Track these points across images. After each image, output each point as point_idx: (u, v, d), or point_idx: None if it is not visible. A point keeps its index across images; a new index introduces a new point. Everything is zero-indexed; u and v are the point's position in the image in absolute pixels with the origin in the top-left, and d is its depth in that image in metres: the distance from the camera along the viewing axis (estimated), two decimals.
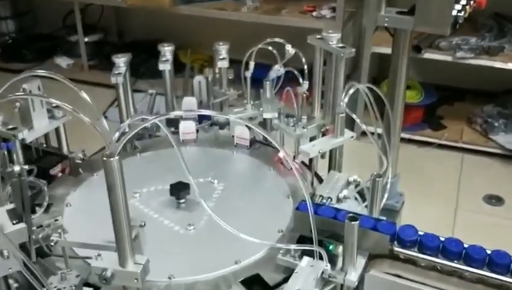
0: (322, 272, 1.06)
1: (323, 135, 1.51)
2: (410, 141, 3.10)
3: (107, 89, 1.73)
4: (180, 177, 1.32)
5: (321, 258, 1.06)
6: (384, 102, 1.45)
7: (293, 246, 1.08)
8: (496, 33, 3.02)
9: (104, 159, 0.82)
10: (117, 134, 0.84)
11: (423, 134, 3.16)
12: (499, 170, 3.00)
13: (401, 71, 1.61)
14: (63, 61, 3.96)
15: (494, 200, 2.78)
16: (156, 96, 1.86)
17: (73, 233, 1.23)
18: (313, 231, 1.00)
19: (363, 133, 1.43)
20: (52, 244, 1.04)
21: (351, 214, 1.03)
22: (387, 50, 3.01)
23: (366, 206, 1.38)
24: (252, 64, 1.51)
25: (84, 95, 0.89)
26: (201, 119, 1.67)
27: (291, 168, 1.45)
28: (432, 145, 3.12)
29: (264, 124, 1.59)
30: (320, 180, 1.39)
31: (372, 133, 1.36)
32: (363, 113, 2.17)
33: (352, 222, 1.02)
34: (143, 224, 0.97)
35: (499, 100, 3.29)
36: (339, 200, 1.27)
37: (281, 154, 0.94)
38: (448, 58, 2.94)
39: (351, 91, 1.33)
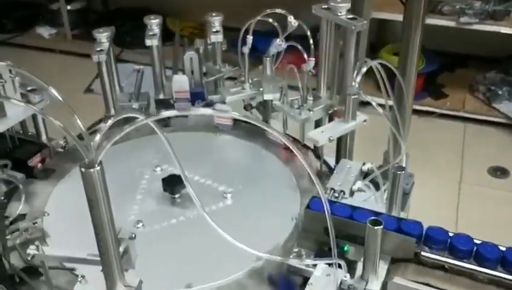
0: (341, 283, 0.93)
1: (330, 117, 1.37)
2: None
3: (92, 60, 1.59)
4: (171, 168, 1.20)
5: (339, 266, 0.92)
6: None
7: (309, 261, 0.94)
8: None
9: (83, 170, 0.67)
10: (98, 137, 0.68)
11: (424, 103, 3.03)
12: (503, 140, 2.88)
13: (415, 42, 1.45)
14: (45, 31, 3.75)
15: (499, 172, 2.67)
16: (144, 72, 1.71)
17: (55, 237, 1.09)
18: (331, 240, 0.86)
19: (362, 103, 1.29)
20: (28, 259, 0.89)
21: (373, 217, 0.89)
22: (388, 16, 2.91)
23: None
24: (250, 39, 1.35)
25: (53, 91, 0.74)
26: (193, 99, 1.52)
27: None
28: (433, 115, 2.99)
29: (264, 104, 1.44)
30: (329, 169, 1.25)
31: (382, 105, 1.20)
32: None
33: (376, 227, 0.88)
34: (133, 236, 0.83)
35: (502, 66, 3.15)
36: (352, 193, 1.14)
37: (291, 147, 0.80)
38: (452, 24, 2.79)
39: (364, 69, 1.18)
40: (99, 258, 0.83)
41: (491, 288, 0.93)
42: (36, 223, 1.09)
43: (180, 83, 1.49)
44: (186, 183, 0.80)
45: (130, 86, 1.68)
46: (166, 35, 3.02)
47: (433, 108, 3.01)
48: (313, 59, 1.25)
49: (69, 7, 3.64)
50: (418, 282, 0.95)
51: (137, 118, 0.71)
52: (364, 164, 1.21)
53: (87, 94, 3.16)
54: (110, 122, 0.70)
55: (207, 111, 0.99)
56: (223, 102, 1.52)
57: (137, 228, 1.14)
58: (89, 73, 3.26)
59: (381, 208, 1.24)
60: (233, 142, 1.37)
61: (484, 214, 2.38)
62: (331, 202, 1.05)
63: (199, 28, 3.49)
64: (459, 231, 2.30)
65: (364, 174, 1.21)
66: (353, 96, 1.19)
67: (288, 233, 1.09)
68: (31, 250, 0.90)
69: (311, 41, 1.25)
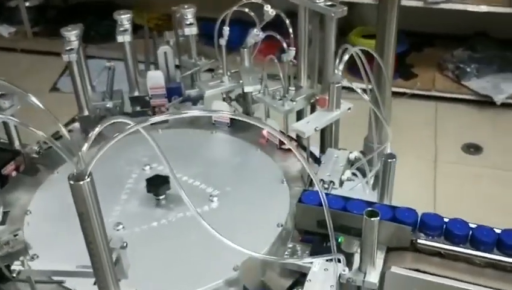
0: (339, 277, 0.91)
1: (313, 106, 1.35)
2: None
3: (56, 57, 1.52)
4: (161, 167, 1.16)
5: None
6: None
7: (308, 260, 0.92)
8: None
9: (71, 183, 0.63)
10: (86, 147, 0.64)
11: (395, 84, 3.01)
12: (474, 116, 2.92)
13: (391, 24, 1.44)
14: (4, 30, 3.61)
15: (473, 149, 2.71)
16: (115, 68, 1.65)
17: (38, 249, 1.04)
18: (330, 234, 0.84)
19: None
20: (14, 275, 0.85)
21: (369, 209, 0.87)
22: None
23: (366, 182, 1.25)
24: (226, 30, 1.31)
25: (34, 99, 0.69)
26: (170, 94, 1.47)
27: (279, 147, 1.29)
28: (405, 96, 3.01)
29: (244, 96, 1.41)
30: (316, 160, 1.23)
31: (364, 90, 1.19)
32: None
33: (372, 219, 0.86)
34: (124, 245, 0.79)
35: (469, 43, 3.18)
36: (341, 183, 1.12)
37: (289, 145, 0.78)
38: (420, 4, 2.80)
39: (346, 57, 1.16)
40: (89, 270, 0.80)
41: (488, 271, 0.93)
42: (17, 235, 1.04)
43: (155, 79, 1.45)
44: (178, 186, 0.76)
45: (102, 84, 1.63)
46: (133, 29, 2.90)
47: (404, 89, 3.02)
48: (294, 48, 1.22)
49: (27, 3, 3.52)
50: (415, 270, 0.94)
51: (126, 122, 0.67)
52: (351, 152, 1.20)
53: (53, 93, 3.06)
54: (97, 129, 0.66)
55: (201, 112, 0.94)
56: (201, 97, 1.50)
57: (117, 230, 1.10)
58: (53, 71, 3.17)
59: (369, 195, 1.24)
60: (227, 141, 1.33)
61: (461, 191, 2.41)
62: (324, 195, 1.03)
63: (164, 19, 3.43)
64: (437, 209, 2.33)
65: (351, 163, 1.20)
66: (337, 85, 1.17)
67: (274, 237, 1.07)
68: (16, 266, 0.85)
69: (290, 30, 1.22)
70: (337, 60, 1.17)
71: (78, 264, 0.85)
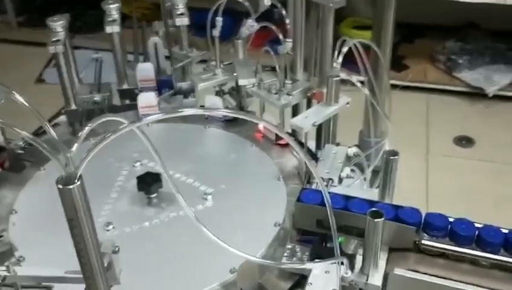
0: (341, 279, 0.87)
1: (309, 100, 1.31)
2: None
3: (41, 48, 1.47)
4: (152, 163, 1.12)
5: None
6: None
7: (310, 264, 0.88)
8: None
9: (60, 187, 0.59)
10: (75, 147, 0.60)
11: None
12: (466, 108, 2.90)
13: (388, 15, 1.40)
14: None
15: (464, 141, 2.69)
16: (102, 60, 1.60)
17: (24, 251, 0.99)
18: (333, 236, 0.80)
19: None
20: None
21: (373, 209, 0.84)
22: None
23: (364, 179, 1.22)
24: (219, 21, 1.26)
25: (18, 97, 0.64)
26: (160, 87, 1.42)
27: (275, 143, 1.25)
28: (397, 88, 2.97)
29: (237, 89, 1.36)
30: (313, 157, 1.19)
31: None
32: None
33: (376, 220, 0.83)
34: (116, 250, 0.75)
35: (460, 35, 3.16)
36: (341, 180, 1.08)
37: (292, 144, 0.73)
38: None
39: (345, 49, 1.12)
40: (79, 276, 0.75)
41: (494, 272, 0.89)
42: (2, 236, 0.99)
43: (145, 71, 1.40)
44: (172, 185, 0.72)
45: (89, 75, 1.58)
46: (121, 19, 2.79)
47: (396, 80, 2.99)
48: (291, 40, 1.18)
49: None
50: (419, 272, 0.90)
51: (119, 120, 0.62)
52: (349, 147, 1.16)
53: (39, 84, 2.99)
54: (87, 128, 0.62)
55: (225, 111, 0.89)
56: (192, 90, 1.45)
57: (108, 230, 1.05)
58: (39, 62, 3.09)
59: (366, 191, 1.20)
60: (221, 136, 1.28)
61: (453, 183, 2.39)
62: (320, 192, 0.99)
63: (151, 8, 3.35)
64: (430, 202, 2.30)
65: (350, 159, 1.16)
66: (335, 78, 1.13)
67: (272, 238, 1.03)
68: (2, 271, 0.80)
69: (287, 20, 1.17)
70: (336, 53, 1.13)
71: (67, 270, 0.81)
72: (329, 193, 0.96)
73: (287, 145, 1.23)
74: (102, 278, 0.66)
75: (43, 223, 1.06)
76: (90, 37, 3.13)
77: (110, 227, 1.06)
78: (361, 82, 1.21)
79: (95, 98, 1.44)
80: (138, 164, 1.19)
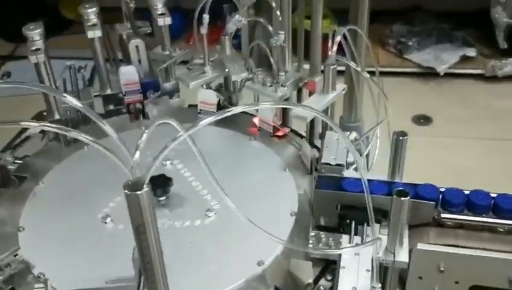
0: (372, 260, 0.90)
1: (299, 91, 1.33)
2: None
3: None
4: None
5: None
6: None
7: (349, 247, 0.89)
8: None
9: (127, 192, 0.58)
10: (137, 154, 0.59)
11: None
12: (420, 88, 3.01)
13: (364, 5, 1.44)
14: None
15: (423, 120, 2.80)
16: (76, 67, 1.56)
17: (42, 268, 0.96)
18: (370, 218, 0.83)
19: None
20: None
21: (399, 188, 0.87)
22: None
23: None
24: (206, 18, 1.25)
25: (71, 99, 0.62)
26: (146, 89, 1.40)
27: (272, 135, 1.26)
28: None
29: (225, 85, 1.36)
30: (313, 146, 1.21)
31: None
32: None
33: (403, 198, 0.86)
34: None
35: (406, 18, 3.27)
36: (348, 165, 1.11)
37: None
38: None
39: (338, 38, 1.15)
40: (122, 284, 0.75)
41: (510, 238, 0.95)
42: (17, 254, 0.95)
43: (128, 74, 1.37)
44: (219, 189, 0.72)
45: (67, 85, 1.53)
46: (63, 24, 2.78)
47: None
48: (283, 32, 1.19)
49: None
50: (441, 244, 0.94)
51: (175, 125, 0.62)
52: (350, 133, 1.19)
53: None
54: (145, 136, 0.61)
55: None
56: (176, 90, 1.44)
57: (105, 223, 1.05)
58: None
59: (365, 174, 1.23)
60: (217, 132, 1.27)
61: (417, 161, 2.47)
62: (336, 179, 1.01)
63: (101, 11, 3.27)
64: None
65: None
66: (332, 66, 1.15)
67: (290, 227, 1.03)
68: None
69: (278, 12, 1.18)
70: (330, 41, 1.15)
71: (107, 280, 0.79)
72: (346, 178, 0.99)
73: (284, 136, 1.25)
74: (164, 285, 0.65)
75: (54, 238, 1.03)
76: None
77: (108, 220, 1.06)
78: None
79: None
80: (168, 162, 1.17)
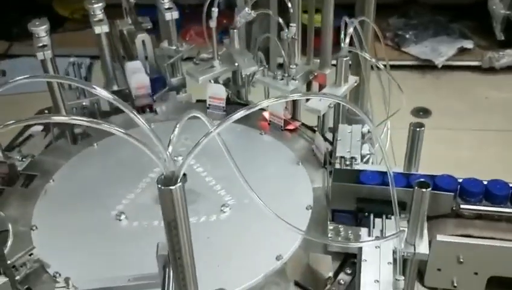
0: (393, 252, 0.89)
1: (309, 84, 1.32)
2: None
3: None
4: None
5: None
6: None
7: (370, 241, 0.89)
8: None
9: (160, 187, 0.57)
10: (170, 149, 0.58)
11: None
12: (418, 81, 3.01)
13: None
14: None
15: (422, 112, 2.80)
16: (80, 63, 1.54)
17: (58, 267, 0.95)
18: (394, 210, 0.82)
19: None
20: None
21: (421, 180, 0.86)
22: None
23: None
24: (215, 12, 1.24)
25: (105, 93, 0.61)
26: (154, 86, 1.39)
27: (283, 129, 1.25)
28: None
29: (233, 79, 1.35)
30: (325, 139, 1.21)
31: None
32: None
33: (424, 190, 0.85)
34: None
35: (401, 11, 3.27)
36: (362, 158, 1.10)
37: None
38: None
39: (351, 30, 1.14)
40: (145, 282, 0.74)
41: None
42: (32, 254, 0.94)
43: (136, 69, 1.36)
44: (249, 191, 0.71)
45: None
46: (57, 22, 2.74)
47: None
48: (294, 25, 1.18)
49: None
50: (461, 235, 0.94)
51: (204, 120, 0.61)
52: (362, 126, 1.18)
53: None
54: (177, 130, 0.60)
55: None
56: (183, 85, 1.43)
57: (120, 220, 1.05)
58: None
59: (377, 166, 1.23)
60: (228, 127, 1.25)
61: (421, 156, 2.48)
62: (358, 171, 1.01)
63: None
64: None
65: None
66: (345, 59, 1.15)
67: (307, 221, 1.03)
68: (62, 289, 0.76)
69: (289, 4, 1.17)
70: (342, 33, 1.14)
71: (130, 277, 0.78)
72: (363, 171, 0.98)
73: (295, 130, 1.24)
74: (194, 281, 0.64)
75: (68, 236, 1.02)
76: (29, 44, 2.98)
77: (123, 217, 1.05)
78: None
79: (84, 103, 1.39)
80: (180, 158, 1.15)
